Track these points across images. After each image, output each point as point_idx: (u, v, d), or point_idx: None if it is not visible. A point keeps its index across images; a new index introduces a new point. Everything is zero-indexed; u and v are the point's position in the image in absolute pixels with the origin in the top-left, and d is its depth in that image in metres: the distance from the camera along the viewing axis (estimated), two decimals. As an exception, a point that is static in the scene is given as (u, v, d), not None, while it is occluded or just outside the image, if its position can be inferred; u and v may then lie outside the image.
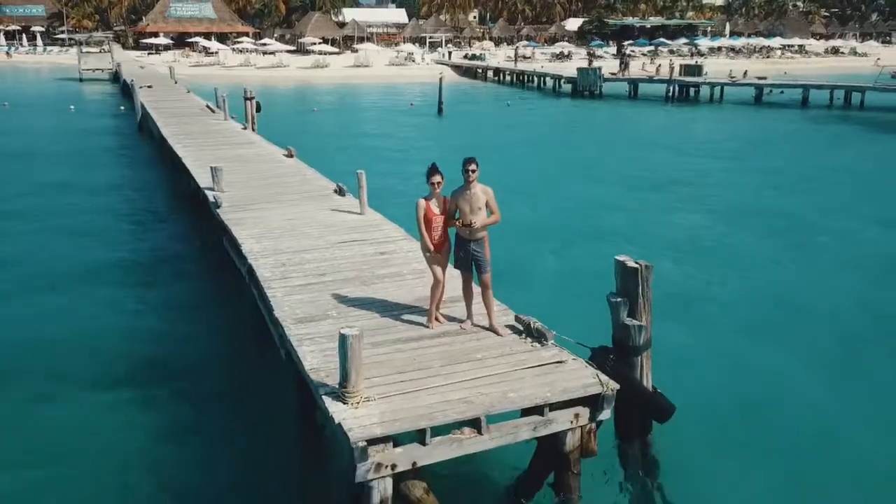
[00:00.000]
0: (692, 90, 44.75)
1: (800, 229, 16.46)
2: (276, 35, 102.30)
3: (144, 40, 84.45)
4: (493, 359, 6.82)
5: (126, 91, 43.03)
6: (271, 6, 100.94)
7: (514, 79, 56.72)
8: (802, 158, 25.96)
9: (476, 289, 7.51)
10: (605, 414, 6.51)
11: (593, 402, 6.42)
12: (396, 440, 5.81)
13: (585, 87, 45.01)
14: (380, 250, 10.32)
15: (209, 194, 13.54)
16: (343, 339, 5.80)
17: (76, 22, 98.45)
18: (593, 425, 6.57)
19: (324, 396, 6.08)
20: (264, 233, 11.09)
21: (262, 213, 12.42)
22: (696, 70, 46.73)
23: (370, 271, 9.33)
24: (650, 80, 46.46)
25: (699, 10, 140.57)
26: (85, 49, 54.34)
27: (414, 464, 5.84)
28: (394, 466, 5.73)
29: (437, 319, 7.55)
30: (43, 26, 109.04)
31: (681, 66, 48.33)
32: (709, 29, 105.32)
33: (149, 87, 35.54)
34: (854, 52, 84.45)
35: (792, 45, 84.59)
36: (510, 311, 7.76)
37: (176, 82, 40.11)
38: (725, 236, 15.97)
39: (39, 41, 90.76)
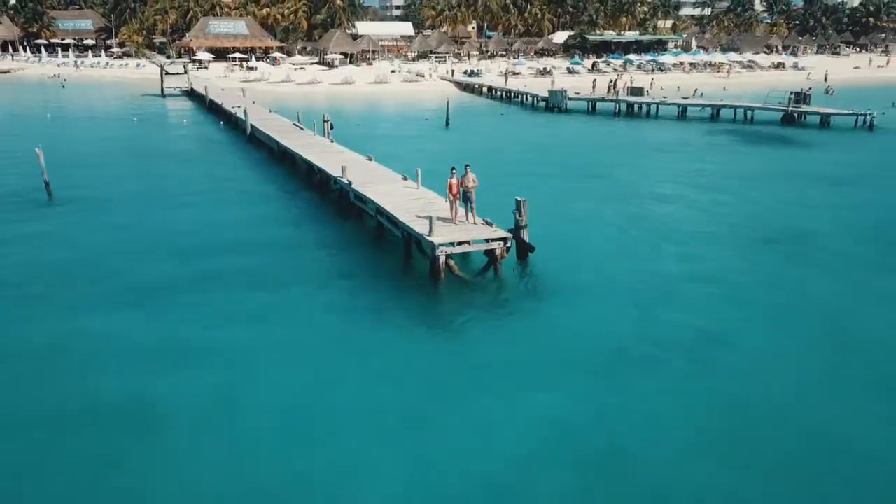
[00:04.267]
0: (636, 107, 59.53)
1: (630, 195, 31.11)
2: (298, 47, 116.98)
3: (194, 57, 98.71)
4: (473, 228, 21.57)
5: (213, 107, 57.75)
6: (296, 23, 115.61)
7: (503, 95, 71.59)
8: (674, 157, 40.63)
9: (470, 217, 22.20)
10: (508, 244, 21.22)
11: (504, 240, 21.14)
12: (445, 246, 20.51)
13: (555, 104, 59.94)
14: (430, 202, 24.94)
15: (342, 179, 28.18)
16: (430, 218, 20.56)
17: (126, 37, 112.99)
18: (505, 248, 21.27)
19: (424, 236, 20.78)
20: (378, 194, 25.72)
21: (371, 187, 26.97)
22: (639, 91, 61.51)
23: (427, 207, 23.96)
24: (602, 99, 61.18)
25: (678, 19, 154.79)
26: (166, 72, 69.08)
27: (451, 253, 20.60)
28: (445, 252, 20.46)
29: (454, 221, 22.25)
30: (92, 39, 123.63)
31: (628, 87, 63.11)
32: (679, 43, 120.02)
33: (238, 107, 50.29)
34: (795, 67, 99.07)
35: (742, 61, 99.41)
36: (479, 217, 22.41)
37: (254, 102, 54.66)
38: (598, 193, 30.60)
39: (103, 55, 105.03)
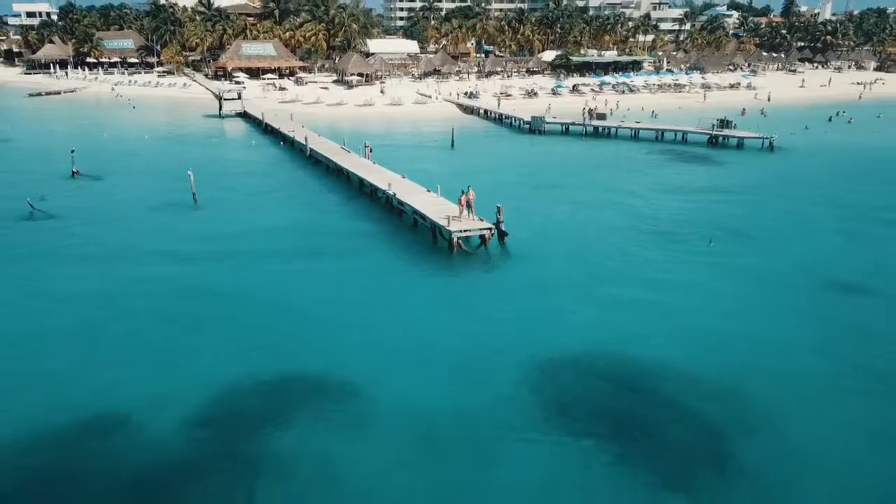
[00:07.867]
0: (600, 129, 75.59)
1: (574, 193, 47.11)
2: (317, 65, 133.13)
3: (235, 79, 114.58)
4: (473, 222, 37.77)
5: (268, 129, 73.88)
6: (316, 45, 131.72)
7: (496, 117, 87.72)
8: (620, 171, 56.65)
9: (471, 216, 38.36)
10: (493, 232, 37.41)
11: (490, 229, 37.34)
12: (457, 232, 36.66)
13: (535, 127, 76.08)
14: (447, 207, 41.02)
15: (389, 190, 44.24)
16: (449, 217, 36.81)
17: (168, 57, 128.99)
18: (490, 234, 37.43)
19: (444, 227, 36.95)
20: (412, 201, 41.79)
21: (407, 196, 42.99)
22: (602, 116, 77.69)
23: (445, 210, 40.02)
24: (573, 123, 77.24)
25: (657, 36, 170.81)
26: (224, 98, 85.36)
27: (460, 236, 36.82)
28: (457, 236, 36.65)
29: (460, 218, 38.41)
30: (134, 58, 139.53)
31: (595, 113, 79.27)
32: (653, 63, 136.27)
33: (292, 131, 66.34)
34: (748, 87, 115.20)
35: (704, 81, 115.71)
36: (475, 216, 38.50)
37: (303, 126, 70.62)
38: (546, 195, 46.59)
39: (154, 74, 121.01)
